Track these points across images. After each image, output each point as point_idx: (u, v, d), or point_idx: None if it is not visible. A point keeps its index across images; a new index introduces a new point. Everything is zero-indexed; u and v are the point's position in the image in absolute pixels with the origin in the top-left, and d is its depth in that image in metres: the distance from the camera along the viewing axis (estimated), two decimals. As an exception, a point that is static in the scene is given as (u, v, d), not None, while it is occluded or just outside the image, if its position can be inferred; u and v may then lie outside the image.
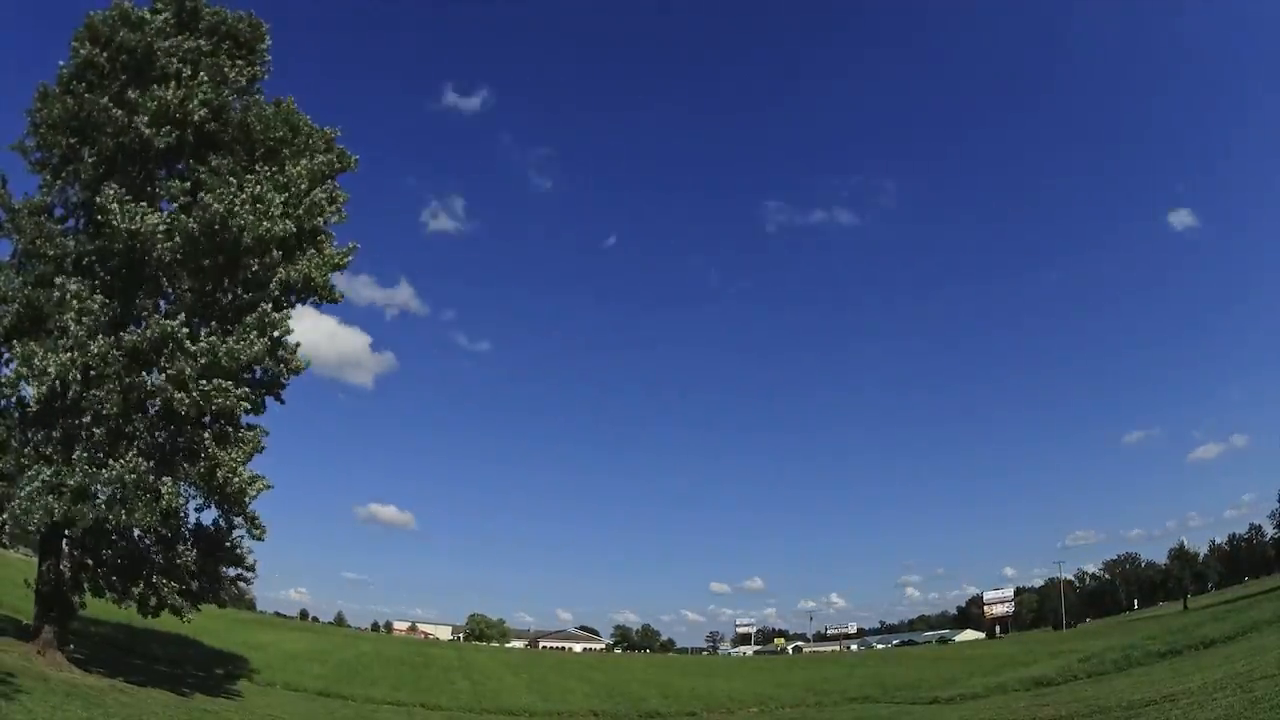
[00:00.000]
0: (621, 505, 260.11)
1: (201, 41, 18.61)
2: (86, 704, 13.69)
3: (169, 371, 16.36)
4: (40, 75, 18.43)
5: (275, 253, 17.68)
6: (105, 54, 17.79)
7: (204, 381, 16.33)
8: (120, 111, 17.08)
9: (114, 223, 16.27)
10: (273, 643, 38.32)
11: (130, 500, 15.55)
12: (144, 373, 16.45)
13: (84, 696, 14.30)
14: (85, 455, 15.86)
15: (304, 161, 18.76)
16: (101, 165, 17.67)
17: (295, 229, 17.98)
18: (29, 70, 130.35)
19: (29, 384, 15.86)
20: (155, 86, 17.41)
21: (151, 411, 16.48)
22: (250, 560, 19.61)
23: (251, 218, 16.92)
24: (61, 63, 18.05)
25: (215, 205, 16.69)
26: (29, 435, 16.13)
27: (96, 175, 17.56)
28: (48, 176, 18.27)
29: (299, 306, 19.51)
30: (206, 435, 17.03)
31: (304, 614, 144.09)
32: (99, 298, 16.48)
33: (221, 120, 18.19)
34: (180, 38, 18.31)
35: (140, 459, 15.96)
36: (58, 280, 16.45)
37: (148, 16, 18.12)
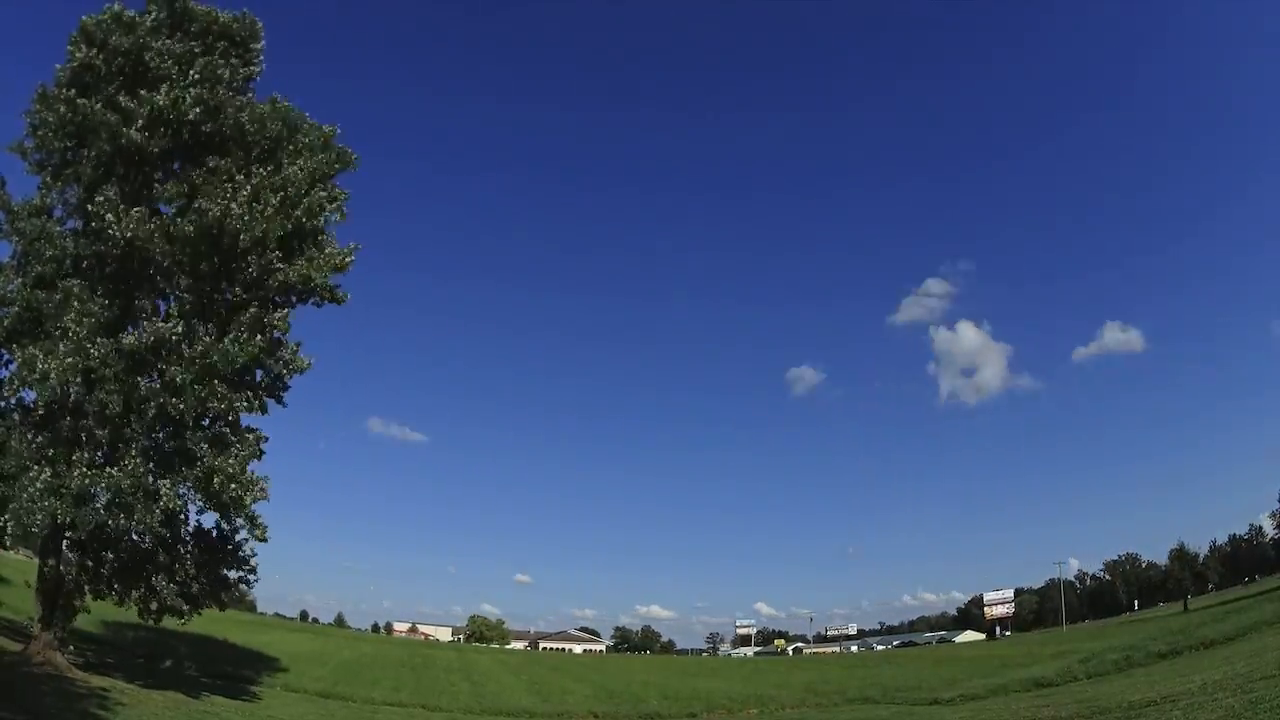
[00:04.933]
0: (627, 504, 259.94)
1: (194, 42, 18.53)
2: (85, 704, 13.71)
3: (165, 376, 16.34)
4: (40, 77, 18.48)
5: (273, 252, 17.57)
6: (101, 56, 17.78)
7: (199, 385, 16.30)
8: (114, 117, 17.05)
9: (110, 231, 16.27)
10: (273, 644, 38.30)
11: (130, 503, 15.55)
12: (142, 377, 16.45)
13: (85, 697, 14.32)
14: (86, 458, 15.86)
15: (301, 161, 18.65)
16: (100, 168, 17.66)
17: (292, 228, 17.83)
18: (29, 72, 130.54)
19: (31, 387, 15.88)
20: (149, 90, 17.37)
21: (150, 415, 16.46)
22: (253, 562, 19.66)
23: (247, 218, 16.86)
24: (58, 65, 18.08)
25: (211, 208, 16.66)
26: (30, 438, 16.13)
27: (95, 177, 17.55)
28: (47, 178, 18.27)
29: (300, 307, 19.48)
30: (204, 442, 16.98)
31: (304, 615, 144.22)
32: (99, 300, 16.48)
33: (216, 121, 18.10)
34: (173, 39, 18.26)
35: (139, 462, 15.95)
36: (58, 282, 16.47)
37: (140, 19, 18.10)
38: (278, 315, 18.07)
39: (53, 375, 15.26)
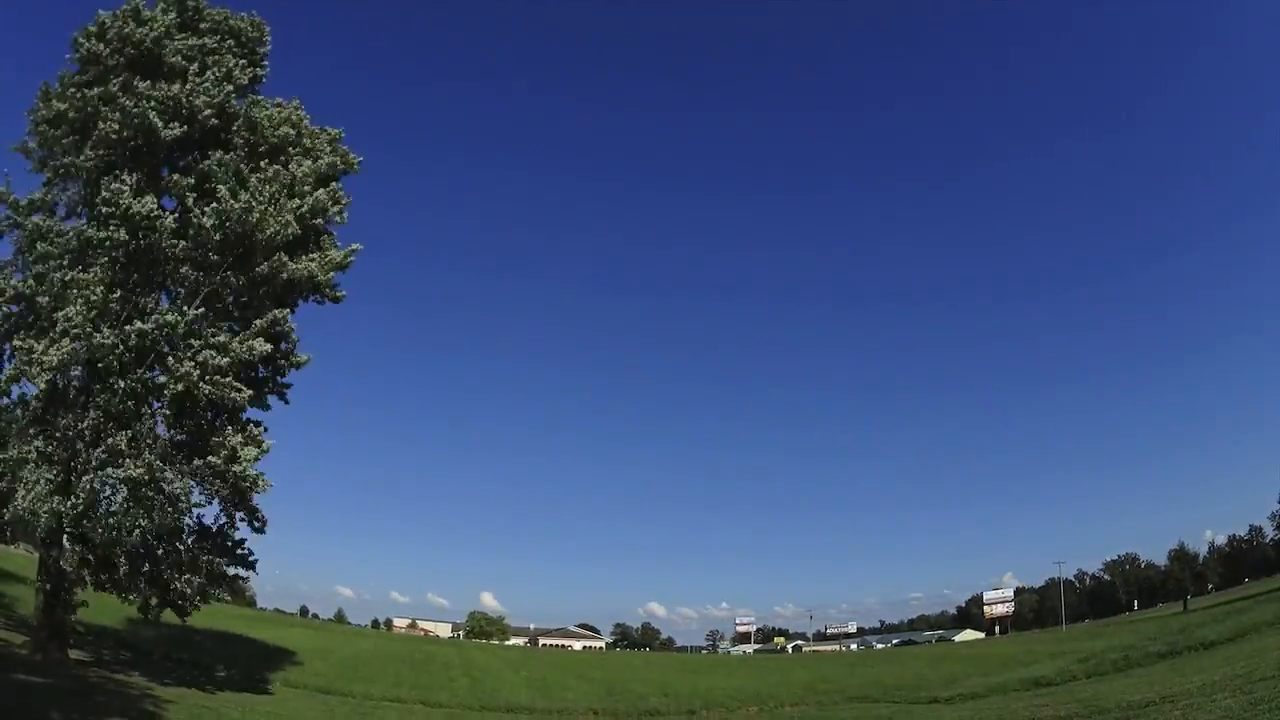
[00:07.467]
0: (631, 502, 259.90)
1: (205, 39, 18.69)
2: (84, 702, 13.76)
3: (180, 368, 16.32)
4: (40, 77, 18.62)
5: (281, 250, 17.77)
6: (109, 48, 17.86)
7: (209, 379, 16.33)
8: (129, 100, 17.09)
9: (120, 202, 16.19)
10: (274, 640, 38.34)
11: (143, 500, 15.52)
12: (151, 368, 16.47)
13: (84, 695, 14.37)
14: (95, 455, 15.80)
15: (308, 162, 18.82)
16: (104, 161, 17.69)
17: (301, 230, 18.05)
18: (29, 72, 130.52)
19: (30, 379, 15.83)
20: (161, 82, 17.51)
21: (157, 406, 16.48)
22: (252, 558, 19.72)
23: (269, 219, 17.02)
24: (66, 58, 18.19)
25: (233, 203, 16.74)
26: (31, 434, 16.10)
27: (99, 171, 17.59)
28: (50, 175, 18.31)
29: (301, 305, 19.60)
30: (229, 429, 17.06)
31: (304, 611, 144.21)
32: (101, 289, 16.44)
33: (226, 117, 18.21)
34: (185, 35, 18.40)
35: (149, 455, 15.93)
36: (59, 274, 16.46)
37: (155, 15, 18.25)
38: (283, 312, 18.15)
39: (52, 361, 15.17)
